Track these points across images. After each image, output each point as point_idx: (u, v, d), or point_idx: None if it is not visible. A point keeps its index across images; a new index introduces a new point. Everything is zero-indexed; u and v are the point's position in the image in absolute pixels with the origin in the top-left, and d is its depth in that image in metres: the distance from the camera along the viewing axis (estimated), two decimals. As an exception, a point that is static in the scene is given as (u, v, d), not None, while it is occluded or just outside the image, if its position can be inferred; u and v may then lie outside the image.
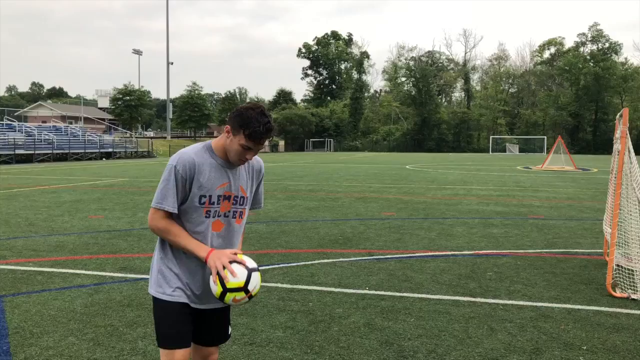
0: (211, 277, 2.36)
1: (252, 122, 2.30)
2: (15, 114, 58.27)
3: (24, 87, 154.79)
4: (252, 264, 2.42)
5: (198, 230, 2.44)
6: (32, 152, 38.74)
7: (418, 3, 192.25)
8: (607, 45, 78.37)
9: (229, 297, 2.34)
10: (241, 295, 2.34)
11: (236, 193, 2.50)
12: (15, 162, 36.02)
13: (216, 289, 2.34)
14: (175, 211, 2.38)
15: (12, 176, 22.69)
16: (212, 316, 2.59)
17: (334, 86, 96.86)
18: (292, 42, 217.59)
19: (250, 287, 2.35)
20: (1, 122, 45.16)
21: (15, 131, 42.77)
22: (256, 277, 2.38)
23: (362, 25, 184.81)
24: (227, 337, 2.71)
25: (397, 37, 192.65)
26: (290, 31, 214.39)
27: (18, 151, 37.74)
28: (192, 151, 2.42)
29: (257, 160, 2.62)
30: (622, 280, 5.58)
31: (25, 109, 79.08)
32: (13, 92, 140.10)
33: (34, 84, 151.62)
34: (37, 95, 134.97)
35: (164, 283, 2.46)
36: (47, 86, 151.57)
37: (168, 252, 2.49)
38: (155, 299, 2.49)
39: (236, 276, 2.32)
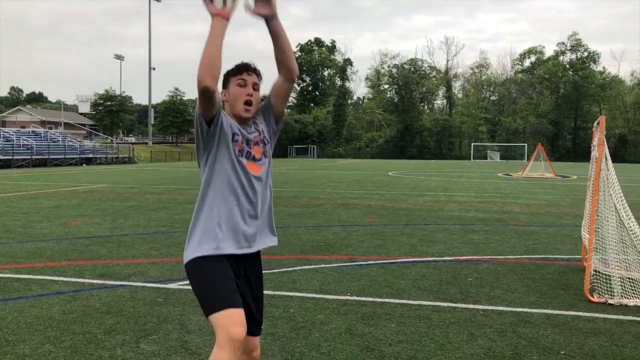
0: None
1: (234, 66, 2.54)
2: (-6, 118, 57.53)
3: (2, 92, 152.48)
4: None
5: (237, 171, 2.47)
6: (11, 157, 38.18)
7: (401, 11, 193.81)
8: (585, 54, 79.82)
9: None
10: None
11: (260, 137, 2.59)
12: (-7, 168, 35.48)
13: None
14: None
15: (-11, 182, 22.33)
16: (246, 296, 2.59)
17: (317, 93, 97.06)
18: (270, 48, 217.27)
19: None
20: (-21, 127, 44.44)
21: (-7, 136, 42.16)
22: None
23: (340, 32, 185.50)
24: (260, 326, 2.75)
25: (379, 44, 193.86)
26: (267, 39, 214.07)
27: (-4, 156, 37.20)
28: None
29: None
30: (599, 285, 5.65)
31: (3, 114, 78.00)
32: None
33: (12, 88, 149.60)
34: (16, 100, 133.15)
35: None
36: (27, 91, 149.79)
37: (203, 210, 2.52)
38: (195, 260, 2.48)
39: None
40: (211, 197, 2.50)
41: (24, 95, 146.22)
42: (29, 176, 26.83)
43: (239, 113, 2.48)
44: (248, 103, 2.48)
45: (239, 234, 2.50)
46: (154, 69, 69.38)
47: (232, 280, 2.47)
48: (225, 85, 2.53)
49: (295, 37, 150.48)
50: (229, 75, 2.52)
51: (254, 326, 2.68)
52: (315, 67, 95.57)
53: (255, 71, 2.53)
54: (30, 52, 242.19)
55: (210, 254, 2.45)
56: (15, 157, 38.45)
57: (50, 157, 41.82)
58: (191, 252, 2.50)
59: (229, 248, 2.48)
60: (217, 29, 2.33)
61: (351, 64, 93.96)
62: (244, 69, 2.48)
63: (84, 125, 76.29)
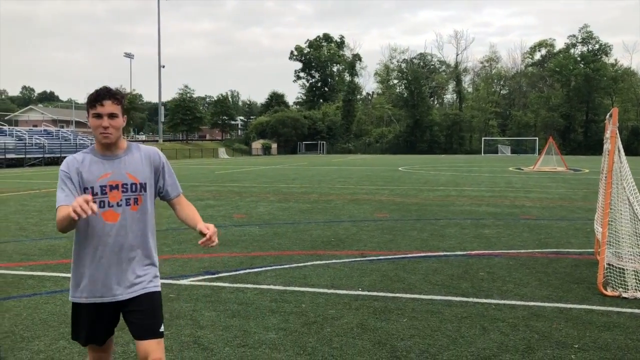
0: None
1: (89, 97, 2.57)
2: (6, 118, 58.08)
3: (14, 92, 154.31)
4: None
5: (91, 224, 2.58)
6: (23, 156, 38.50)
7: (407, 6, 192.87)
8: (597, 46, 78.94)
9: None
10: None
11: (124, 181, 2.61)
12: (6, 167, 35.79)
13: None
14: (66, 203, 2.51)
15: (2, 180, 22.54)
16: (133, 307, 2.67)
17: (326, 89, 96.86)
18: (277, 45, 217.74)
19: None
20: (-8, 127, 44.86)
21: (5, 135, 42.55)
22: None
23: (346, 28, 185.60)
24: (155, 332, 2.67)
25: (387, 40, 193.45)
26: (274, 34, 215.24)
27: (9, 155, 37.51)
28: (76, 154, 2.64)
29: (150, 148, 2.76)
30: (613, 278, 5.61)
31: (15, 113, 78.66)
32: (3, 97, 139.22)
33: (24, 87, 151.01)
34: (27, 99, 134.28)
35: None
36: (38, 90, 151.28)
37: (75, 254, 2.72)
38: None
39: None
40: None
41: (36, 94, 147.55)
42: (41, 174, 27.04)
43: (100, 141, 2.57)
44: (104, 133, 2.54)
45: None
46: (163, 66, 69.65)
47: None
48: (87, 113, 2.60)
49: (301, 34, 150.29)
50: (87, 105, 2.57)
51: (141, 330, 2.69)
52: (324, 63, 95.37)
53: (111, 98, 2.54)
54: (40, 52, 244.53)
55: None
56: (27, 156, 38.79)
57: (62, 155, 42.04)
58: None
59: None
60: (69, 220, 2.42)
61: (360, 59, 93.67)
62: (95, 102, 2.52)
63: (94, 123, 76.57)
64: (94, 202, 2.48)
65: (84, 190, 2.56)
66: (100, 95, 2.53)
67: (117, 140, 2.60)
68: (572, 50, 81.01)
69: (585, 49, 79.91)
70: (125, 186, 2.61)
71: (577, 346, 4.09)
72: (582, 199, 14.45)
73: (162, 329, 2.70)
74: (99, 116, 2.52)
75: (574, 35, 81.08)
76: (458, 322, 4.63)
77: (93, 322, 2.67)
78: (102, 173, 2.58)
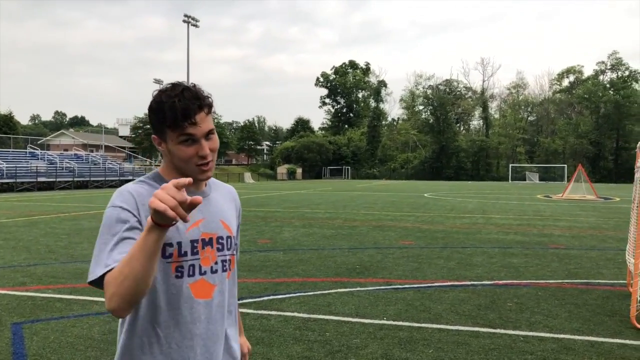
0: None
1: (164, 106, 1.52)
2: (39, 142, 59.49)
3: (47, 116, 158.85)
4: None
5: (172, 305, 1.57)
6: (54, 179, 39.34)
7: (431, 33, 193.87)
8: (627, 73, 77.98)
9: None
10: None
11: (219, 233, 1.66)
12: (37, 190, 36.60)
13: None
14: None
15: (33, 203, 23.04)
16: None
17: (351, 114, 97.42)
18: (302, 71, 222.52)
19: None
20: (24, 151, 46.05)
21: (37, 159, 43.58)
22: None
23: (371, 55, 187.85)
24: None
25: (414, 65, 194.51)
26: (298, 61, 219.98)
27: (40, 179, 38.35)
28: (136, 185, 1.61)
29: (230, 187, 1.86)
30: (646, 312, 5.44)
31: (47, 138, 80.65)
32: (37, 121, 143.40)
33: (57, 112, 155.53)
34: (59, 124, 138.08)
35: None
36: (70, 115, 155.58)
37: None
38: None
39: None
40: None
41: (67, 119, 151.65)
42: (71, 198, 27.56)
43: (194, 177, 1.58)
44: (204, 167, 1.58)
45: None
46: (191, 92, 70.74)
47: None
48: (159, 133, 1.58)
49: (326, 60, 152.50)
50: (163, 126, 1.54)
51: None
52: (349, 89, 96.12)
53: (203, 107, 1.54)
54: (72, 78, 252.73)
55: None
56: (58, 180, 39.62)
57: (92, 179, 42.93)
58: None
59: None
60: (156, 244, 1.32)
61: (385, 85, 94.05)
62: (184, 119, 1.50)
63: (123, 148, 78.24)
64: (180, 269, 1.56)
65: (164, 249, 1.54)
66: (190, 109, 1.51)
67: None
68: (601, 77, 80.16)
69: (614, 75, 79.02)
70: (220, 241, 1.66)
71: (609, 382, 3.96)
72: (614, 229, 14.13)
73: None
74: (192, 141, 1.54)
75: (603, 62, 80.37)
76: (485, 354, 4.53)
77: None
78: (192, 220, 1.58)
